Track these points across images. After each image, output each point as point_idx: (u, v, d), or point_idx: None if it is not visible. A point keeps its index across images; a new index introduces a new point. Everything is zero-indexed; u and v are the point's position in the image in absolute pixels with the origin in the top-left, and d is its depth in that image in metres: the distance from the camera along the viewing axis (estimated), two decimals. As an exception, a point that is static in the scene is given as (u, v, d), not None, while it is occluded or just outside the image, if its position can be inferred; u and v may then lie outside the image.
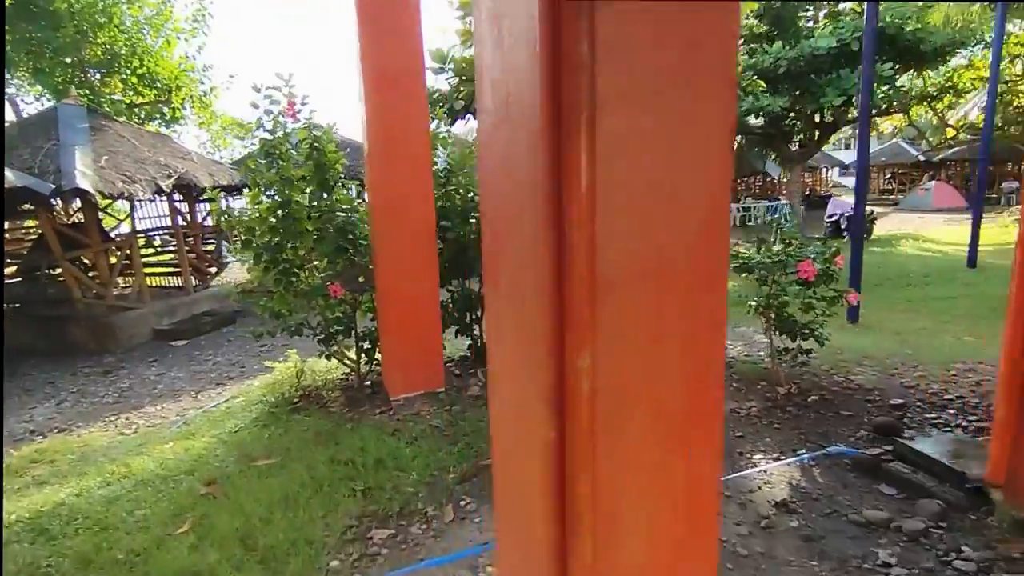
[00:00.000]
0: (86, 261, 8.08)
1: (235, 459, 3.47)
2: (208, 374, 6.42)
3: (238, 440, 3.79)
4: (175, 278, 9.47)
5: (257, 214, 4.09)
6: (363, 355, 4.58)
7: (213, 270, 9.78)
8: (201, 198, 8.89)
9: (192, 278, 9.06)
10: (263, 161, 4.05)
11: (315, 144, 4.03)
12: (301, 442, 3.58)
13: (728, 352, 5.19)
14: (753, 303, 4.13)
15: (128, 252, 8.16)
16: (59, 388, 6.28)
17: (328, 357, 4.49)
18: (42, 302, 8.02)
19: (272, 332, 4.30)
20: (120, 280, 8.75)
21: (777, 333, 4.15)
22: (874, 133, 27.32)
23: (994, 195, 26.44)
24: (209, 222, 9.22)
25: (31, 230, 9.54)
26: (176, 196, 8.70)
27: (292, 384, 4.69)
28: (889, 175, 28.15)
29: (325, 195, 4.10)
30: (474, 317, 4.86)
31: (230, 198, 8.99)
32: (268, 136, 3.99)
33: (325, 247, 4.00)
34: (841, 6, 13.95)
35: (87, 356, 7.38)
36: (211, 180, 8.23)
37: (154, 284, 9.48)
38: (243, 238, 4.02)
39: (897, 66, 12.34)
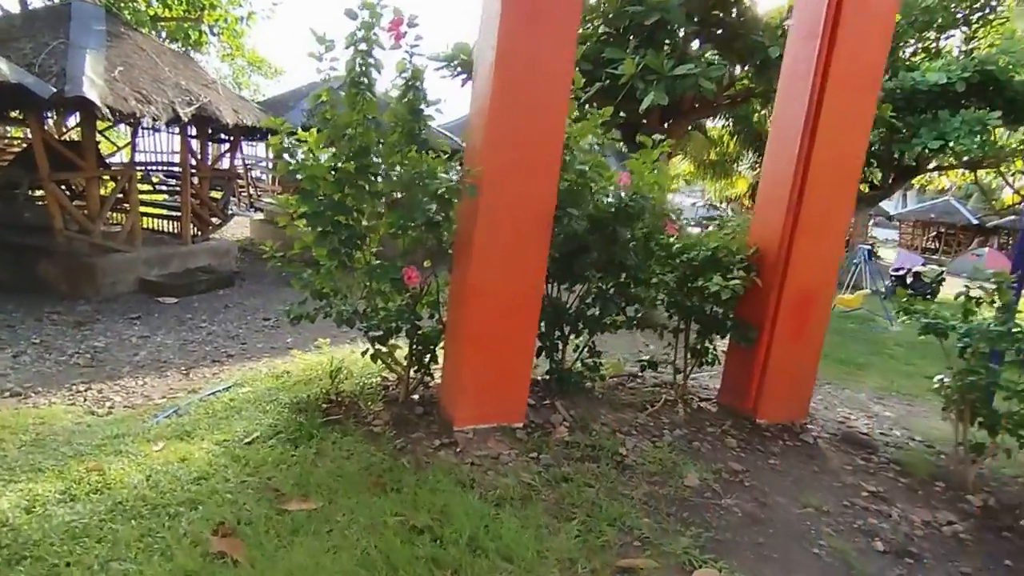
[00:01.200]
0: (75, 187, 7.14)
1: (255, 492, 2.58)
2: (202, 346, 5.51)
3: (255, 459, 2.90)
4: (172, 224, 8.53)
5: (323, 160, 3.20)
6: (415, 362, 3.70)
7: (216, 221, 8.86)
8: (220, 136, 7.96)
9: (192, 227, 8.13)
10: (344, 94, 3.16)
11: (415, 80, 3.14)
12: (347, 480, 2.70)
13: (864, 426, 4.36)
14: (946, 382, 3.32)
15: (126, 185, 7.22)
16: (18, 336, 5.35)
17: (374, 358, 3.61)
18: (15, 227, 7.06)
19: (311, 316, 3.41)
20: (110, 216, 7.81)
21: (970, 423, 3.33)
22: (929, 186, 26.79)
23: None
24: (224, 164, 8.29)
25: (16, 141, 8.57)
26: (190, 130, 7.77)
27: (323, 385, 3.79)
28: (934, 233, 27.62)
29: (414, 150, 3.21)
30: (562, 334, 4.00)
31: (252, 143, 8.08)
32: (359, 60, 3.10)
33: (409, 216, 3.12)
34: (944, 43, 13.21)
35: (58, 300, 6.44)
36: (235, 117, 7.32)
37: (147, 227, 8.54)
38: (305, 188, 3.13)
39: (1001, 116, 11.60)
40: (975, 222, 24.28)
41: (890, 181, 13.27)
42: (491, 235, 3.10)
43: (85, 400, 4.18)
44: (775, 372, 3.95)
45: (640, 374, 4.67)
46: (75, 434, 3.43)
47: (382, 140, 3.24)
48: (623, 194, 3.52)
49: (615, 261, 3.64)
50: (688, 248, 4.00)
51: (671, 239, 4.05)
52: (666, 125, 7.39)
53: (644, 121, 6.94)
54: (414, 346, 3.62)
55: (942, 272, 12.68)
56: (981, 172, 22.54)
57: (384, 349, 3.55)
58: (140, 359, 4.99)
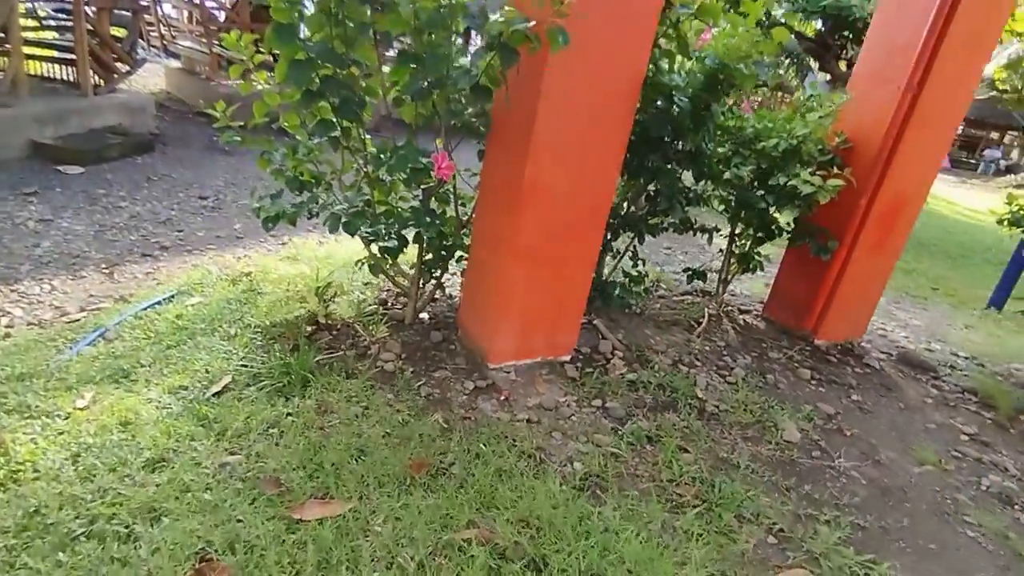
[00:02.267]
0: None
1: (246, 488, 1.77)
2: (124, 233, 4.35)
3: (235, 423, 2.06)
4: (67, 70, 6.77)
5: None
6: (426, 274, 2.85)
7: (123, 68, 7.13)
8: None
9: (92, 75, 6.45)
10: None
11: None
12: (376, 461, 1.92)
13: (904, 339, 3.92)
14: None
15: (6, 21, 5.46)
16: None
17: (373, 270, 2.71)
18: None
19: (291, 215, 2.43)
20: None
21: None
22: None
23: (972, 160, 26.74)
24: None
25: None
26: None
27: (301, 299, 2.89)
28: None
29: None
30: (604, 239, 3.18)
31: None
32: None
33: (435, 71, 2.11)
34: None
35: (-81, 166, 4.96)
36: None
37: (35, 73, 6.75)
38: (281, 25, 2.01)
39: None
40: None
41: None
42: (563, 113, 2.16)
43: (-30, 313, 3.10)
44: (847, 289, 3.35)
45: (689, 288, 4.00)
46: (-45, 373, 2.45)
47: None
48: (710, 60, 2.58)
49: (691, 149, 2.77)
50: (765, 134, 3.17)
51: (747, 121, 3.20)
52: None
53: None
54: (425, 253, 2.73)
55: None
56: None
57: (390, 260, 2.66)
58: (43, 252, 3.83)
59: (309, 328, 2.75)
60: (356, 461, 1.92)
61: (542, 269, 2.44)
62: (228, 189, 5.71)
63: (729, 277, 3.83)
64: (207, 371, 2.41)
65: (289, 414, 2.14)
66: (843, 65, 12.94)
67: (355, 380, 2.39)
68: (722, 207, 3.44)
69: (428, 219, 2.40)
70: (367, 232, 2.38)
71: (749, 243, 3.62)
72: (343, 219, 2.30)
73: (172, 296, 3.25)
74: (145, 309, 3.07)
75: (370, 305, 2.96)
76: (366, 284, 3.27)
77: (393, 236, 2.42)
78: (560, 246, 2.43)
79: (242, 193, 5.58)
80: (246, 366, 2.43)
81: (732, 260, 3.75)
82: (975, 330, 4.68)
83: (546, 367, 2.67)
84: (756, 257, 3.65)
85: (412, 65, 2.19)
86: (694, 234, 3.40)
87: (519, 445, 2.11)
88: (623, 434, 2.27)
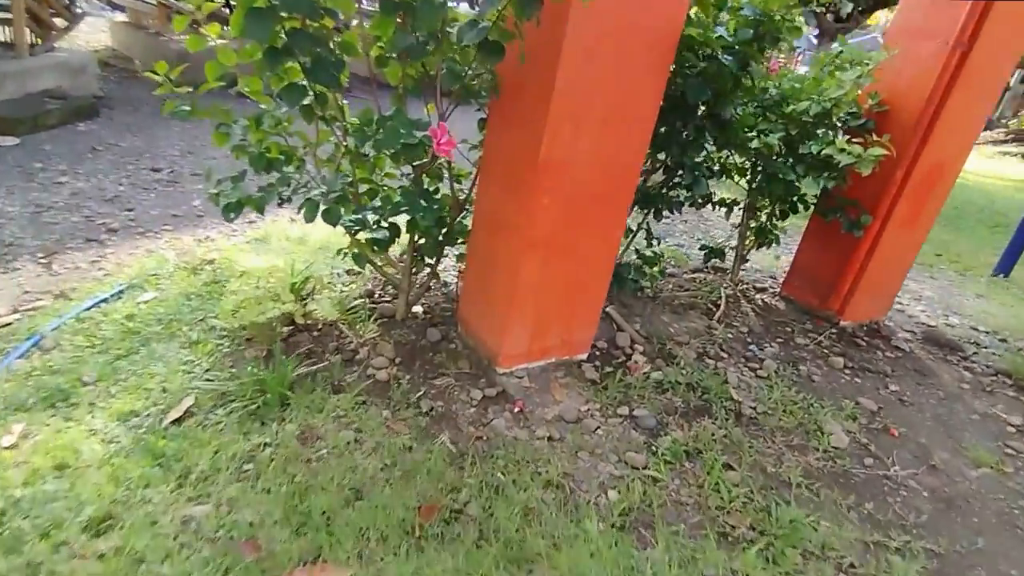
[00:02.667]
0: None
1: (214, 545, 1.43)
2: (65, 215, 3.84)
3: (199, 461, 1.70)
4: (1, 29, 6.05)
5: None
6: (419, 263, 2.48)
7: (61, 23, 6.41)
8: None
9: (29, 32, 5.76)
10: None
11: None
12: (376, 508, 1.59)
13: (922, 313, 3.69)
14: None
15: None
16: None
17: (358, 259, 2.32)
18: None
19: (257, 202, 2.02)
20: None
21: None
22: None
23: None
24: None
25: None
26: None
27: (275, 295, 2.49)
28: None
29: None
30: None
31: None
32: None
33: (428, 24, 1.71)
34: None
35: None
36: None
37: (-47, 28, 6.01)
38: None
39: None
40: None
41: (862, 12, 12.20)
42: (588, 73, 1.77)
43: None
44: (877, 266, 3.08)
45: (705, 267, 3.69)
46: None
47: None
48: (748, 10, 2.21)
49: (725, 116, 2.42)
50: (794, 96, 2.83)
51: (771, 82, 2.85)
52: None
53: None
54: (418, 240, 2.35)
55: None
56: None
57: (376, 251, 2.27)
58: (-31, 238, 3.33)
59: (285, 329, 2.37)
60: (351, 507, 1.59)
61: (559, 258, 2.09)
62: (184, 160, 5.16)
63: (745, 253, 3.53)
64: (164, 390, 2.03)
65: (266, 444, 1.79)
66: (830, 18, 12.57)
67: (343, 395, 2.04)
68: (741, 178, 3.12)
69: (424, 203, 2.01)
70: (351, 221, 1.99)
71: (768, 217, 3.32)
72: (322, 206, 1.90)
73: (122, 291, 2.82)
74: (89, 308, 2.65)
75: (355, 299, 2.58)
76: (349, 272, 2.88)
77: (383, 224, 2.04)
78: (580, 231, 2.08)
79: (201, 164, 5.05)
80: (211, 381, 2.05)
81: (743, 237, 3.46)
82: (987, 300, 4.49)
83: (562, 368, 2.35)
84: (774, 231, 3.36)
85: (398, 17, 1.79)
86: (712, 207, 3.09)
87: (543, 472, 1.79)
88: (658, 450, 1.97)
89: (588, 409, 2.14)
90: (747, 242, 3.46)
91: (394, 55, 2.03)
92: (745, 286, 3.58)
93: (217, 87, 1.99)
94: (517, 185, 1.98)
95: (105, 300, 2.72)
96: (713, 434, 2.10)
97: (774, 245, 3.38)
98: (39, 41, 6.04)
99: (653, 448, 1.99)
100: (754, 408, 2.29)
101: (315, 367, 2.15)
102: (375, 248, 2.09)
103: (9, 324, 2.56)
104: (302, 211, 1.94)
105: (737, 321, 3.09)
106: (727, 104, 2.30)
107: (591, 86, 1.80)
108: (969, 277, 5.15)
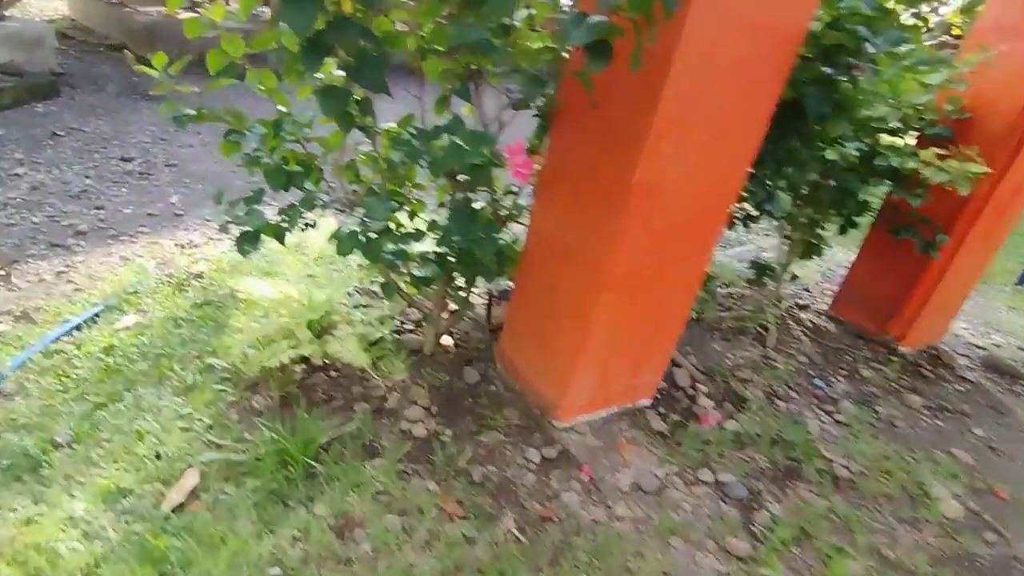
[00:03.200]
0: None
1: None
2: (24, 214, 3.38)
3: (204, 556, 1.35)
4: (-68, -13, 5.41)
5: None
6: (452, 293, 2.13)
7: (11, -12, 5.79)
8: None
9: (-30, -5, 5.16)
10: None
11: None
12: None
13: (967, 333, 3.48)
14: None
15: None
16: None
17: (387, 290, 1.96)
18: None
19: (280, 232, 1.65)
20: None
21: None
22: None
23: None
24: None
25: None
26: None
27: (286, 329, 2.12)
28: None
29: None
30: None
31: None
32: None
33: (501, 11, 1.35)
34: None
35: None
36: None
37: None
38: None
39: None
40: None
41: None
42: (702, 77, 1.44)
43: None
44: (946, 289, 2.83)
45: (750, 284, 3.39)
46: None
47: None
48: (866, 3, 1.89)
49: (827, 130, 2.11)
50: (867, 101, 2.54)
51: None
52: None
53: None
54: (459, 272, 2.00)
55: None
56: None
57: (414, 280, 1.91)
58: (-93, 244, 2.87)
59: (298, 370, 2.02)
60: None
61: (639, 296, 1.78)
62: (157, 146, 4.67)
63: (790, 267, 3.26)
64: (158, 455, 1.67)
65: (295, 539, 1.44)
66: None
67: (379, 460, 1.70)
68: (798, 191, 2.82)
69: (480, 232, 1.66)
70: (391, 254, 1.63)
71: (816, 229, 3.04)
72: (363, 239, 1.54)
73: (96, 314, 2.42)
74: (59, 338, 2.24)
75: (377, 331, 2.23)
76: (363, 294, 2.52)
77: (430, 257, 1.68)
78: (666, 264, 1.77)
79: (175, 151, 4.58)
80: (219, 446, 1.69)
81: (790, 250, 3.18)
82: (1020, 312, 4.33)
83: (625, 419, 2.04)
84: (822, 243, 3.09)
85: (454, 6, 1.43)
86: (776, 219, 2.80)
87: (636, 569, 1.49)
88: (760, 532, 1.68)
89: (666, 474, 1.84)
90: (792, 257, 3.19)
91: (440, 48, 1.67)
92: (788, 304, 3.31)
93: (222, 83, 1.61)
94: (595, 210, 1.65)
95: (77, 327, 2.32)
96: (815, 507, 1.82)
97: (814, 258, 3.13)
98: (-12, 8, 5.43)
99: (752, 528, 1.70)
100: (848, 468, 2.02)
101: (343, 426, 1.80)
102: (418, 286, 1.74)
103: (-42, 359, 2.15)
104: (333, 242, 1.58)
105: (792, 348, 2.82)
106: (843, 118, 1.99)
107: (702, 95, 1.47)
108: (992, 286, 4.98)
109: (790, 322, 3.08)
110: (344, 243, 1.54)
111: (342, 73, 1.46)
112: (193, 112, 1.56)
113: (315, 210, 1.69)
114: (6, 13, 5.63)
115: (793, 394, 2.41)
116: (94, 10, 7.08)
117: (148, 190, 3.93)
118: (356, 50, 1.34)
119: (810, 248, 3.10)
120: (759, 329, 2.92)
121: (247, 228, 1.55)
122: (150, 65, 1.57)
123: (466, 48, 1.57)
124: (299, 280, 2.51)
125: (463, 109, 1.97)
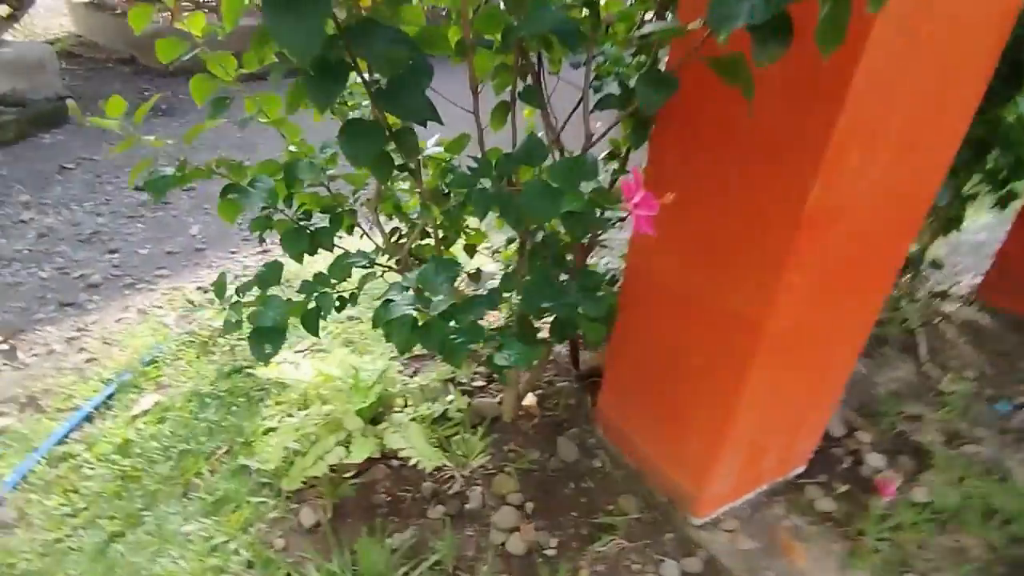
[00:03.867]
0: None
1: None
2: (32, 268, 3.06)
3: None
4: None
5: None
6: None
7: (5, 10, 5.50)
8: None
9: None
10: None
11: None
12: None
13: None
14: None
15: None
16: None
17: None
18: None
19: (314, 322, 1.22)
20: None
21: None
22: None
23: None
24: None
25: None
26: None
27: (341, 434, 1.71)
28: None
29: None
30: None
31: None
32: None
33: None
34: None
35: None
36: None
37: None
38: None
39: None
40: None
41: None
42: (898, 72, 0.94)
43: None
44: None
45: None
46: None
47: None
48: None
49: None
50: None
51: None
52: None
53: None
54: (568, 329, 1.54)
55: None
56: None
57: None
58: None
59: (352, 466, 1.61)
60: None
61: (801, 352, 1.29)
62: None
63: (927, 250, 2.70)
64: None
65: None
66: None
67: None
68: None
69: (584, 290, 1.20)
70: (459, 338, 1.18)
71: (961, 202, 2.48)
72: (450, 344, 1.09)
73: (111, 395, 2.07)
74: (66, 436, 1.90)
75: (441, 402, 1.80)
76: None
77: (512, 331, 1.24)
78: (838, 310, 1.27)
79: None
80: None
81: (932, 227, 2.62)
82: None
83: (779, 500, 1.57)
84: (961, 217, 2.54)
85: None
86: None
87: None
88: None
89: (855, 588, 1.37)
90: (933, 238, 2.63)
91: (497, 37, 1.19)
92: (922, 294, 2.76)
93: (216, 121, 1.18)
94: (740, 245, 1.17)
95: (89, 417, 1.97)
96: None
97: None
98: (-15, 34, 5.16)
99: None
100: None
101: (416, 547, 1.39)
102: (499, 372, 1.30)
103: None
104: (384, 330, 1.14)
105: (951, 357, 2.29)
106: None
107: (899, 85, 0.97)
108: None
109: (935, 319, 2.55)
110: (396, 335, 1.09)
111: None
112: (171, 172, 1.13)
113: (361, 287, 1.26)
114: (4, 38, 5.34)
115: (977, 432, 1.89)
116: (99, 23, 6.78)
117: (166, 223, 3.59)
118: (388, 65, 0.88)
119: (950, 223, 2.56)
120: (902, 333, 2.40)
121: (262, 324, 1.12)
122: (152, 67, 1.15)
123: (535, 38, 1.10)
124: (336, 342, 2.10)
125: (523, 113, 1.51)
